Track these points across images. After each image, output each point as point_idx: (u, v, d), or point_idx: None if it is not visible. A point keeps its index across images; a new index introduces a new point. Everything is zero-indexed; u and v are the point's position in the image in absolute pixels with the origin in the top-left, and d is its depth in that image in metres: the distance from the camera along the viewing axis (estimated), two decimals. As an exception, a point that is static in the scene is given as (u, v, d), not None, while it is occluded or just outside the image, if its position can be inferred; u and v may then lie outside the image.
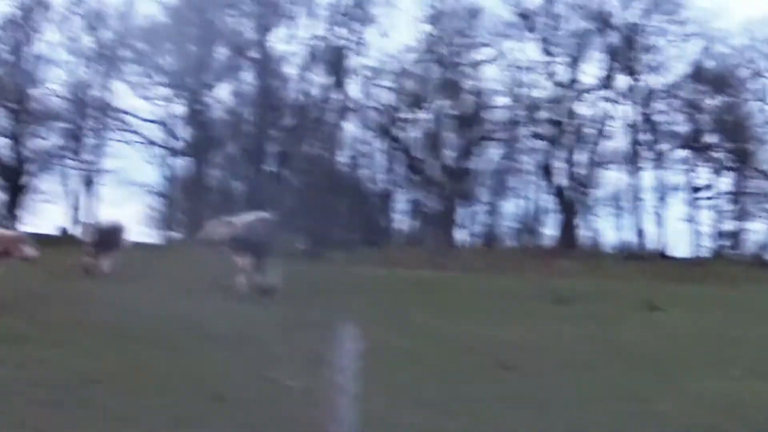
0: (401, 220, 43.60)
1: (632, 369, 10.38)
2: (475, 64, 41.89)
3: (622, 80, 42.65)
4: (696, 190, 42.48)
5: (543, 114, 42.00)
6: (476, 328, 13.01)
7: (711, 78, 41.85)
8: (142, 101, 40.98)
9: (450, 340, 11.69)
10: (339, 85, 40.93)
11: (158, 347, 10.20)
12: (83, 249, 19.06)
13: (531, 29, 41.78)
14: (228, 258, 16.83)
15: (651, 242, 41.92)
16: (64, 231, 40.56)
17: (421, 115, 41.94)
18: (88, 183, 40.81)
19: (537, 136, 42.27)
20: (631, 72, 42.41)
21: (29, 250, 13.27)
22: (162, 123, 41.23)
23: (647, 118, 42.49)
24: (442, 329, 12.62)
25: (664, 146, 42.93)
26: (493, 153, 43.15)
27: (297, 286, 18.44)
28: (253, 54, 40.81)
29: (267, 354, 10.03)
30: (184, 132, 41.33)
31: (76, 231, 39.91)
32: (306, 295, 17.58)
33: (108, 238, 18.83)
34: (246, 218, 17.55)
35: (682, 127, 42.97)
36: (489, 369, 9.88)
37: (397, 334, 11.88)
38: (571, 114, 41.95)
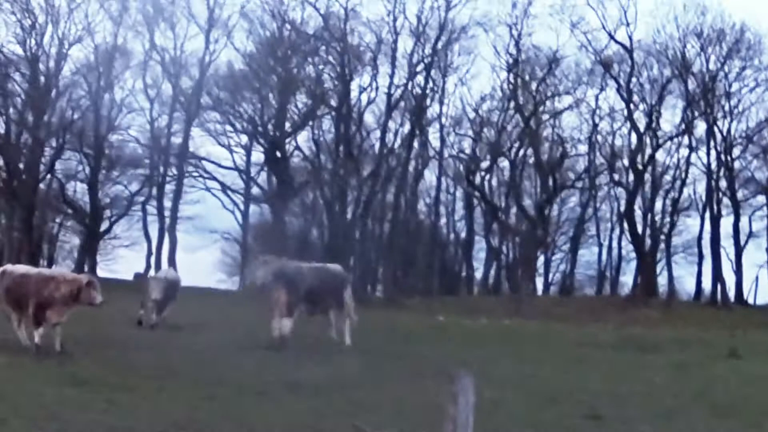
0: (480, 267, 43.40)
1: (718, 417, 10.21)
2: (555, 112, 41.74)
3: (700, 127, 42.43)
4: (775, 236, 42.18)
5: (622, 161, 41.78)
6: (560, 377, 12.99)
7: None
8: (221, 148, 41.05)
9: (535, 389, 11.56)
10: (419, 133, 40.77)
11: (247, 395, 10.12)
12: (143, 302, 18.87)
13: (611, 77, 41.59)
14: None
15: (729, 289, 41.53)
16: (140, 276, 40.45)
17: (501, 163, 41.78)
18: (166, 229, 40.56)
19: (616, 183, 42.03)
20: (709, 118, 42.17)
21: (96, 295, 13.05)
22: (241, 170, 41.15)
23: (725, 165, 42.20)
24: (526, 378, 12.55)
25: (742, 192, 42.60)
26: (573, 201, 42.94)
27: (378, 334, 18.93)
28: (333, 102, 40.66)
29: (354, 402, 9.93)
30: (263, 179, 41.20)
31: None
32: (388, 343, 17.72)
33: (167, 291, 18.67)
34: (297, 264, 16.58)
35: (760, 173, 42.68)
36: (577, 418, 9.72)
37: (482, 382, 11.71)
38: (650, 161, 41.71)
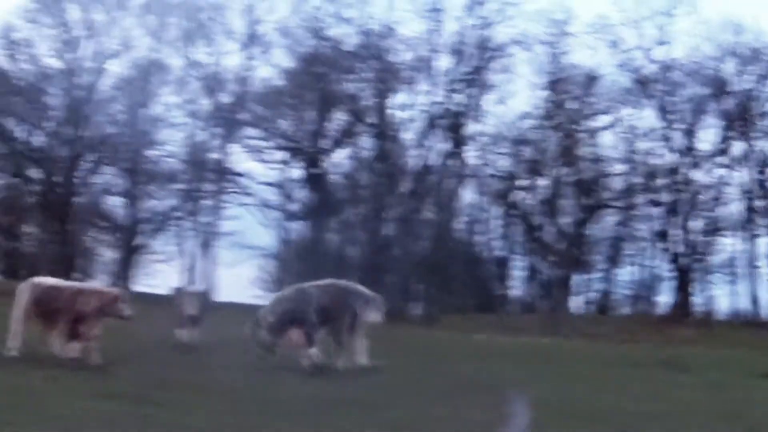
0: (516, 286, 43.38)
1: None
2: (593, 131, 41.76)
3: (737, 146, 42.41)
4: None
5: (659, 181, 41.72)
6: (596, 397, 12.93)
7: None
8: (258, 164, 41.06)
9: (571, 408, 11.45)
10: (456, 151, 40.79)
11: (283, 413, 10.11)
12: (178, 317, 18.32)
13: (648, 96, 41.63)
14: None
15: (766, 309, 41.49)
16: (176, 291, 40.34)
17: (538, 181, 41.75)
18: (203, 244, 40.53)
19: (653, 203, 42.04)
20: (746, 138, 42.22)
21: (126, 309, 13.21)
22: (278, 186, 41.19)
23: (763, 184, 42.22)
24: (562, 397, 12.41)
25: (779, 212, 42.59)
26: (610, 220, 42.91)
27: (415, 352, 19.39)
28: (371, 119, 40.67)
29: (391, 421, 9.96)
30: (301, 196, 41.22)
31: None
32: (425, 360, 17.82)
33: (202, 306, 18.19)
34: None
35: (798, 193, 42.65)
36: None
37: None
38: (687, 181, 41.71)
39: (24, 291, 13.59)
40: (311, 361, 13.86)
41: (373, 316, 14.98)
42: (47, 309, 13.27)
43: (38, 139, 41.85)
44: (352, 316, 14.59)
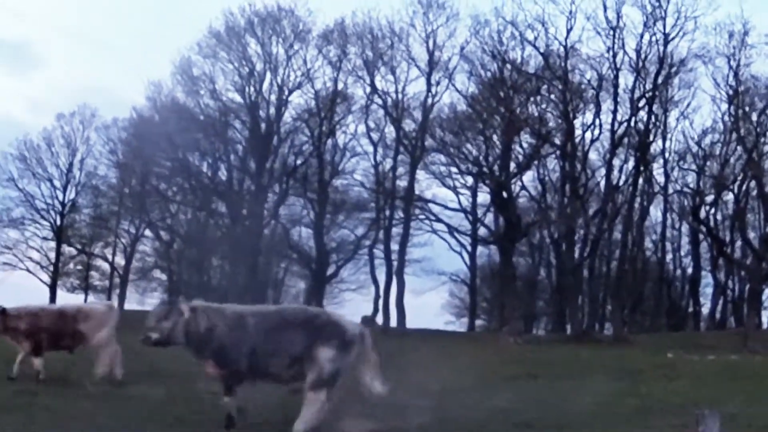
0: (706, 303, 43.33)
1: None
2: (779, 143, 41.49)
3: None
4: None
5: None
6: None
7: None
8: (446, 190, 41.49)
9: (765, 428, 11.37)
10: (643, 169, 40.75)
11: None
12: None
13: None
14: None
15: None
16: (367, 319, 40.90)
17: (725, 196, 41.67)
18: (394, 272, 40.88)
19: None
20: None
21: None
22: (467, 211, 41.44)
23: None
24: (754, 415, 12.11)
25: None
26: (799, 232, 42.57)
27: (607, 372, 19.27)
28: (558, 141, 40.78)
29: None
30: (489, 220, 41.42)
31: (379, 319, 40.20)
32: (617, 381, 17.72)
33: None
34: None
35: None
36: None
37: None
38: None
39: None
40: (227, 413, 9.56)
41: (369, 375, 10.05)
42: None
43: (223, 173, 42.41)
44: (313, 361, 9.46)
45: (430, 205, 41.58)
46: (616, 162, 41.09)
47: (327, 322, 9.72)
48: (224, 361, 9.40)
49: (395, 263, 40.89)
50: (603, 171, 41.34)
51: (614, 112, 40.94)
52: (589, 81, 41.28)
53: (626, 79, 41.00)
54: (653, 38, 40.64)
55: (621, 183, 41.14)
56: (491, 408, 12.81)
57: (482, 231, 41.77)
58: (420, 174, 41.64)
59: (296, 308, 11.37)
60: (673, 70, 41.17)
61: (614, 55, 40.59)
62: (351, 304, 43.54)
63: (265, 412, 10.26)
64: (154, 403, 11.62)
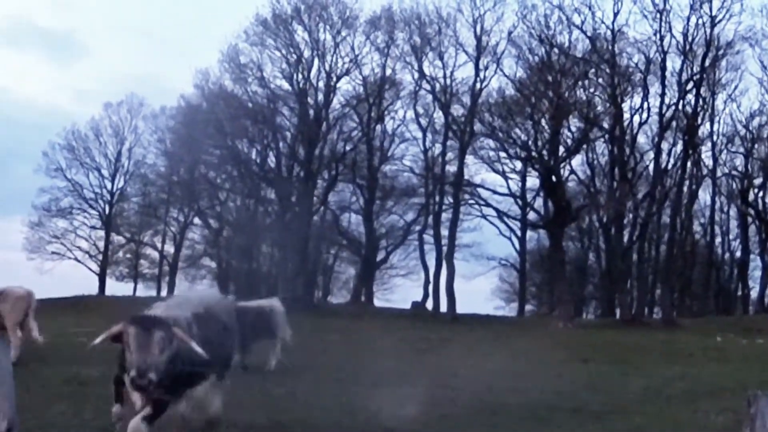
0: (755, 286, 43.36)
1: None
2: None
3: None
4: None
5: None
6: None
7: None
8: (495, 175, 41.65)
9: None
10: (692, 152, 40.77)
11: (529, 420, 10.62)
12: None
13: None
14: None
15: None
16: (417, 305, 41.24)
17: (776, 179, 41.69)
18: (443, 257, 41.12)
19: None
20: None
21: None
22: (516, 196, 41.63)
23: None
24: None
25: None
26: None
27: (656, 356, 19.77)
28: (606, 125, 40.87)
29: (636, 427, 10.26)
30: (539, 204, 41.58)
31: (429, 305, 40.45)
32: (667, 365, 18.09)
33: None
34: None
35: None
36: None
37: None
38: None
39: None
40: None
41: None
42: None
43: (272, 160, 42.77)
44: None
45: (479, 190, 41.84)
46: (665, 145, 41.24)
47: None
48: None
49: (445, 248, 41.12)
50: (651, 154, 41.52)
51: (662, 95, 40.98)
52: (636, 64, 41.37)
53: (673, 62, 41.08)
54: (700, 21, 40.56)
55: (669, 166, 41.27)
56: (542, 392, 13.19)
57: (531, 215, 42.03)
58: (469, 159, 41.90)
59: None
60: (720, 52, 41.11)
61: (661, 38, 40.59)
62: (401, 289, 43.97)
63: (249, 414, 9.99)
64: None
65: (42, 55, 76.02)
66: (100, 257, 47.41)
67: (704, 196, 43.27)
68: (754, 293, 43.27)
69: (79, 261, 47.64)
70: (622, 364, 18.35)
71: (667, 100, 41.00)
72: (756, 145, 41.99)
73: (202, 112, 43.77)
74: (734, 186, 42.45)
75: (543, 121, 41.33)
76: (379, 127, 42.09)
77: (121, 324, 6.46)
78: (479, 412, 11.18)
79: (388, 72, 42.10)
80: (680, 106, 41.10)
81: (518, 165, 42.27)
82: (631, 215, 41.28)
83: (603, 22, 40.82)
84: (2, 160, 63.71)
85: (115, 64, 73.27)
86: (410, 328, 29.23)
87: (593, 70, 41.49)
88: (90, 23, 75.36)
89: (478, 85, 41.57)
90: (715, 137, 42.10)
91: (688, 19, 40.80)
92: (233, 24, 76.60)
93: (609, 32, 40.69)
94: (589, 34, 41.02)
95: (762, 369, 17.66)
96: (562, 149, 41.61)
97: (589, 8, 40.75)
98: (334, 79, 42.21)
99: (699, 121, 41.64)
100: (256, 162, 43.22)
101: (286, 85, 42.54)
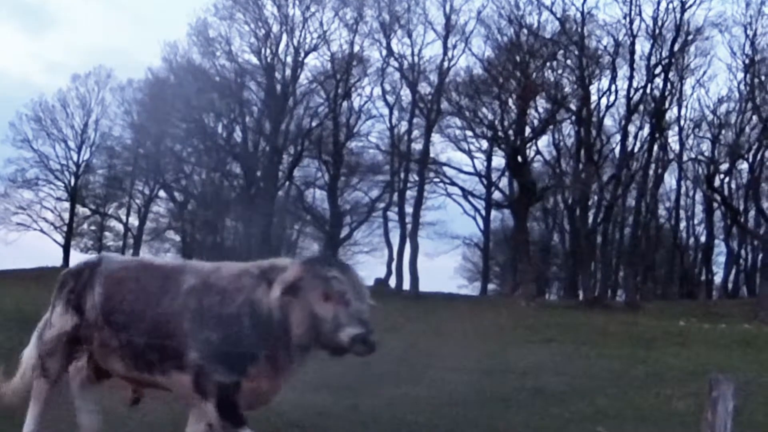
0: (719, 272, 43.58)
1: None
2: (795, 113, 41.57)
3: None
4: None
5: None
6: None
7: None
8: (461, 153, 41.70)
9: None
10: (658, 136, 40.90)
11: (492, 401, 10.68)
12: None
13: None
14: None
15: None
16: (380, 282, 41.23)
17: (740, 165, 41.88)
18: (407, 235, 41.17)
19: None
20: None
21: None
22: (482, 175, 41.69)
23: None
24: (765, 384, 12.32)
25: None
26: (813, 202, 42.75)
27: (619, 339, 19.71)
28: (573, 106, 40.94)
29: (598, 409, 10.36)
30: (504, 184, 41.66)
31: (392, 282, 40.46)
32: (629, 348, 18.14)
33: None
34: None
35: None
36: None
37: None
38: None
39: None
40: None
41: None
42: None
43: (238, 134, 42.69)
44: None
45: (445, 168, 41.87)
46: (632, 128, 41.34)
47: None
48: None
49: (409, 226, 41.16)
50: (618, 137, 41.69)
51: (630, 78, 41.10)
52: (605, 47, 41.45)
53: (642, 46, 41.19)
54: (670, 5, 40.69)
55: (636, 150, 41.29)
56: (505, 372, 13.23)
57: (496, 195, 42.16)
58: (435, 137, 41.91)
59: None
60: (690, 37, 41.24)
61: (631, 22, 40.73)
62: (364, 266, 43.81)
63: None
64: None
65: (15, 25, 75.39)
66: (65, 229, 47.22)
67: (670, 180, 43.55)
68: (717, 278, 43.74)
69: (44, 232, 47.45)
70: (585, 345, 18.32)
71: (635, 84, 41.15)
72: (723, 131, 42.15)
73: (169, 85, 43.60)
74: (700, 171, 42.67)
75: (510, 101, 41.28)
76: (345, 104, 42.03)
77: (300, 266, 4.99)
78: (441, 391, 11.23)
79: (356, 49, 42.06)
80: (648, 90, 41.26)
81: (484, 144, 42.37)
82: (596, 197, 41.37)
83: (573, 3, 40.89)
84: (-30, 131, 63.14)
85: (85, 35, 72.92)
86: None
87: (562, 52, 41.51)
88: (61, -6, 74.58)
89: (445, 64, 41.60)
90: (682, 122, 42.28)
91: (658, 3, 40.95)
92: (203, -2, 75.87)
93: (578, 14, 40.79)
94: (558, 15, 41.09)
95: (724, 354, 17.81)
96: (528, 130, 41.63)
97: (560, -11, 40.93)
98: (302, 54, 42.20)
99: (666, 105, 41.78)
100: (222, 136, 43.12)
101: (254, 60, 42.52)
